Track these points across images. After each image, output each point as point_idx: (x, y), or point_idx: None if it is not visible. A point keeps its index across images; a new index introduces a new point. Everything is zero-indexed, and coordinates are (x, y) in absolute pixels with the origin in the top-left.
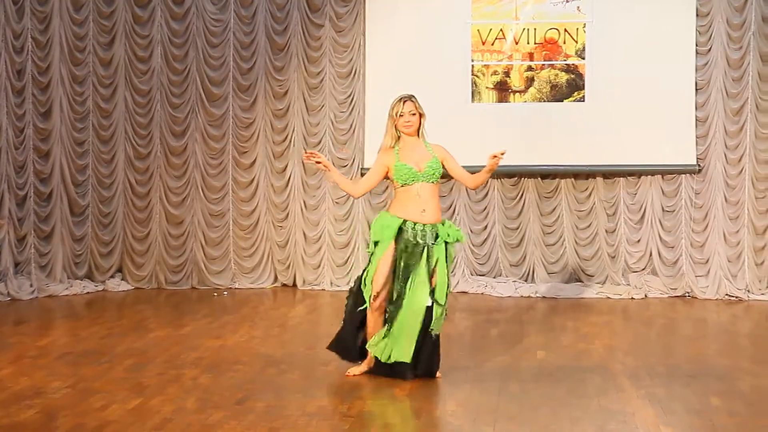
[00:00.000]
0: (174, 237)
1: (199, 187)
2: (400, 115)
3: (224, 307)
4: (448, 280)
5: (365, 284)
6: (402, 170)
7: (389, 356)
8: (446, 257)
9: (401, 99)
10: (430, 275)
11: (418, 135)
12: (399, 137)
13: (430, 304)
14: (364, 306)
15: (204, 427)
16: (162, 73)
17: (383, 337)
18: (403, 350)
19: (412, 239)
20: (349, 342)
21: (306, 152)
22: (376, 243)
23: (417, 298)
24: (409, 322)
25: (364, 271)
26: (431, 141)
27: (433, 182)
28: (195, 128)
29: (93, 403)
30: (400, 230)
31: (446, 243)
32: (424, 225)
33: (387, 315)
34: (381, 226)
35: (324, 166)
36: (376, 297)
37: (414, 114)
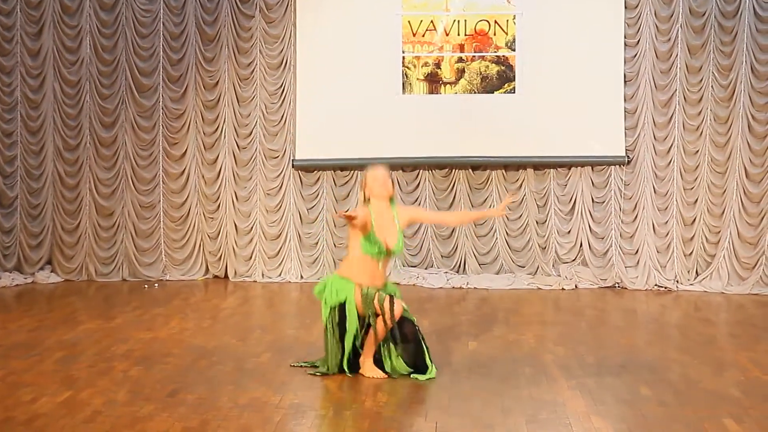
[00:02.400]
0: (104, 229)
1: (129, 178)
2: (375, 180)
3: (155, 299)
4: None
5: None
6: (373, 245)
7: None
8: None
9: (375, 166)
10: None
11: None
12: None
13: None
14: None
15: (135, 420)
16: (91, 63)
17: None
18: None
19: (366, 295)
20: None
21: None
22: (334, 307)
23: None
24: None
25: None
26: (366, 134)
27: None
28: (125, 119)
29: (22, 396)
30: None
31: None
32: (376, 288)
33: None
34: (336, 290)
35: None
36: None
37: (388, 178)
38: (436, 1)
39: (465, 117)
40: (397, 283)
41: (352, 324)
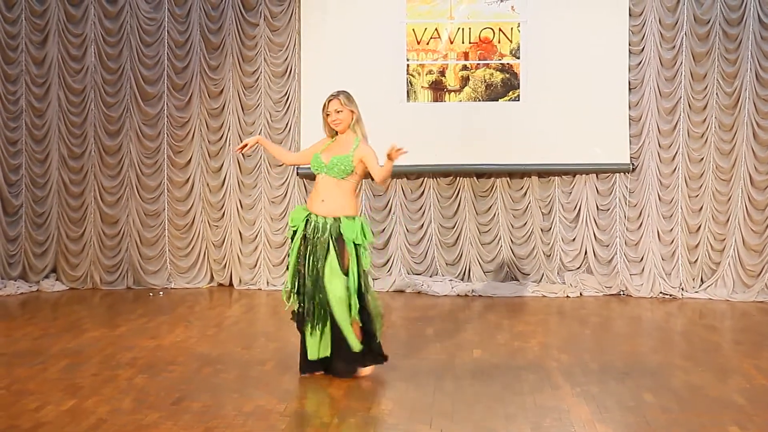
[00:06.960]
0: (109, 237)
1: (134, 186)
2: (327, 114)
3: (160, 307)
4: (361, 278)
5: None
6: (314, 160)
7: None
8: (357, 254)
9: (328, 96)
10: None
11: (355, 132)
12: (336, 133)
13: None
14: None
15: (139, 428)
16: (96, 71)
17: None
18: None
19: (311, 231)
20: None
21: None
22: (291, 236)
23: (334, 287)
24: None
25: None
26: (371, 142)
27: (333, 176)
28: (129, 127)
29: (27, 404)
30: (307, 221)
31: (354, 243)
32: (325, 218)
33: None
34: (292, 218)
35: (255, 144)
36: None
37: (339, 111)
38: (441, 8)
39: (469, 125)
40: (401, 291)
41: (293, 251)
